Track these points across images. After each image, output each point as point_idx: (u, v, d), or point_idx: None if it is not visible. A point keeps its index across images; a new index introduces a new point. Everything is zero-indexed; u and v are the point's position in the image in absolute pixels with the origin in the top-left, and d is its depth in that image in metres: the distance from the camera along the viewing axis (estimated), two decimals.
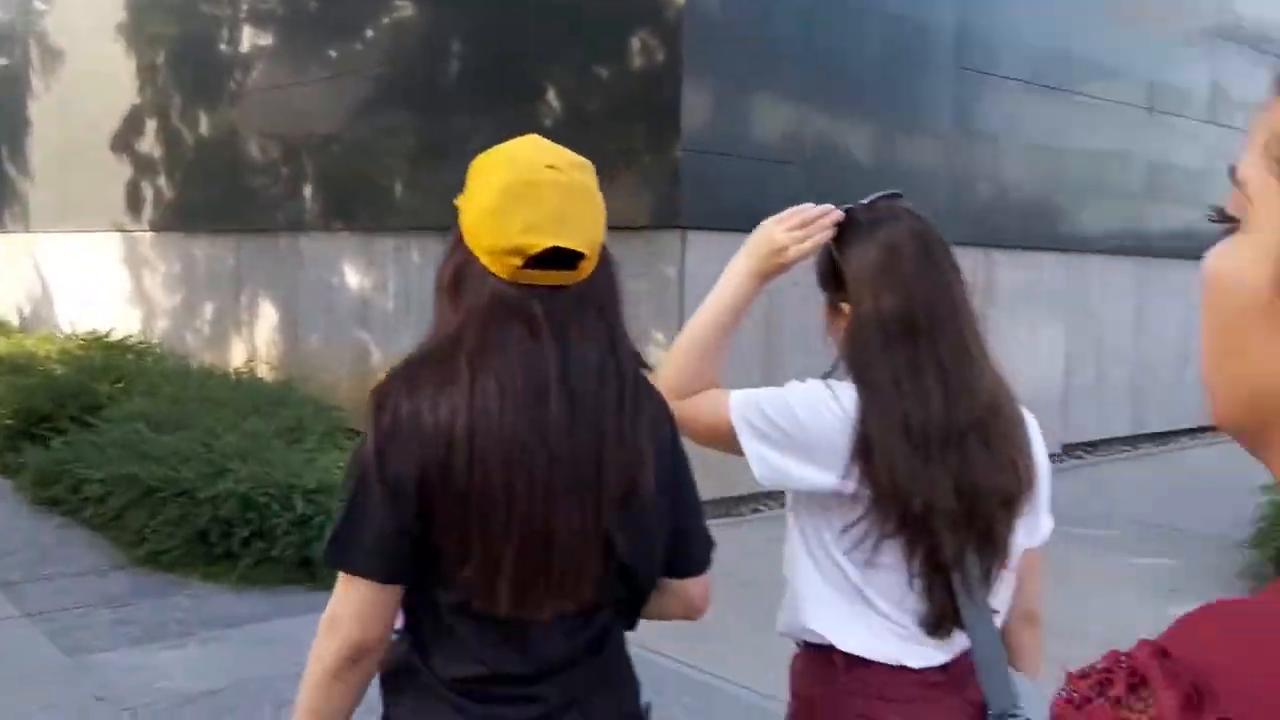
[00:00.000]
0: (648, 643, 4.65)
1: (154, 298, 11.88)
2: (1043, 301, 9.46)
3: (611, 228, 4.13)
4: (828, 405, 1.67)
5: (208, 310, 10.99)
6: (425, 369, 1.46)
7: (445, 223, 6.06)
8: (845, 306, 1.73)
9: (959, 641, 1.67)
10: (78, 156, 13.66)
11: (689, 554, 1.63)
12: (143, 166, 12.18)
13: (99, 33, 13.07)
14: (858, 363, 1.69)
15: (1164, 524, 7.28)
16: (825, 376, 1.74)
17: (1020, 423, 1.73)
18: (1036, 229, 9.35)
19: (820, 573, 1.72)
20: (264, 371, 9.75)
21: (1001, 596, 1.72)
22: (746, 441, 1.71)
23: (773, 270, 1.84)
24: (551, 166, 1.48)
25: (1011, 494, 1.66)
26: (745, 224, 8.11)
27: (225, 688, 4.12)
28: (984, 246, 8.89)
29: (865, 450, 1.62)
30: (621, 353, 1.55)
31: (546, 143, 1.57)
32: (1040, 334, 9.47)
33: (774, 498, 7.68)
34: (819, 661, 1.73)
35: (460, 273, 1.50)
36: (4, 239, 15.45)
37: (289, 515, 5.32)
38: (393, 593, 1.46)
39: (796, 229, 1.77)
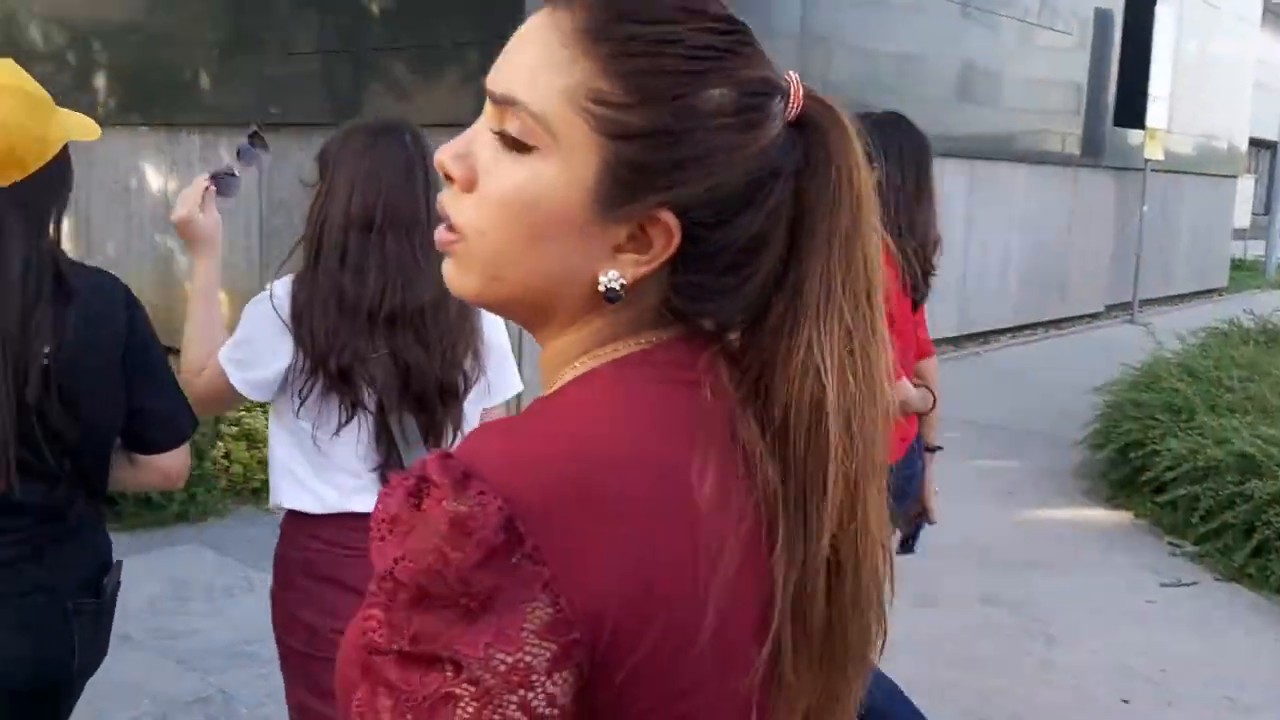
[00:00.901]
0: None
1: None
2: None
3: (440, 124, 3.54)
4: (260, 305, 2.02)
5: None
6: None
7: (256, 116, 5.39)
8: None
9: None
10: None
11: (152, 432, 1.86)
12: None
13: None
14: (312, 243, 2.01)
15: (996, 425, 7.44)
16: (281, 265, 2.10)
17: (467, 317, 2.04)
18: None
19: (287, 444, 2.06)
20: None
21: None
22: (231, 375, 2.01)
23: (192, 241, 2.12)
24: None
25: (451, 383, 2.02)
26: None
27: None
28: None
29: (296, 317, 1.97)
30: (44, 248, 1.69)
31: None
32: None
33: None
34: (290, 524, 2.08)
35: None
36: None
37: None
38: None
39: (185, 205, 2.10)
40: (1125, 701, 3.67)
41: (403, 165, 2.01)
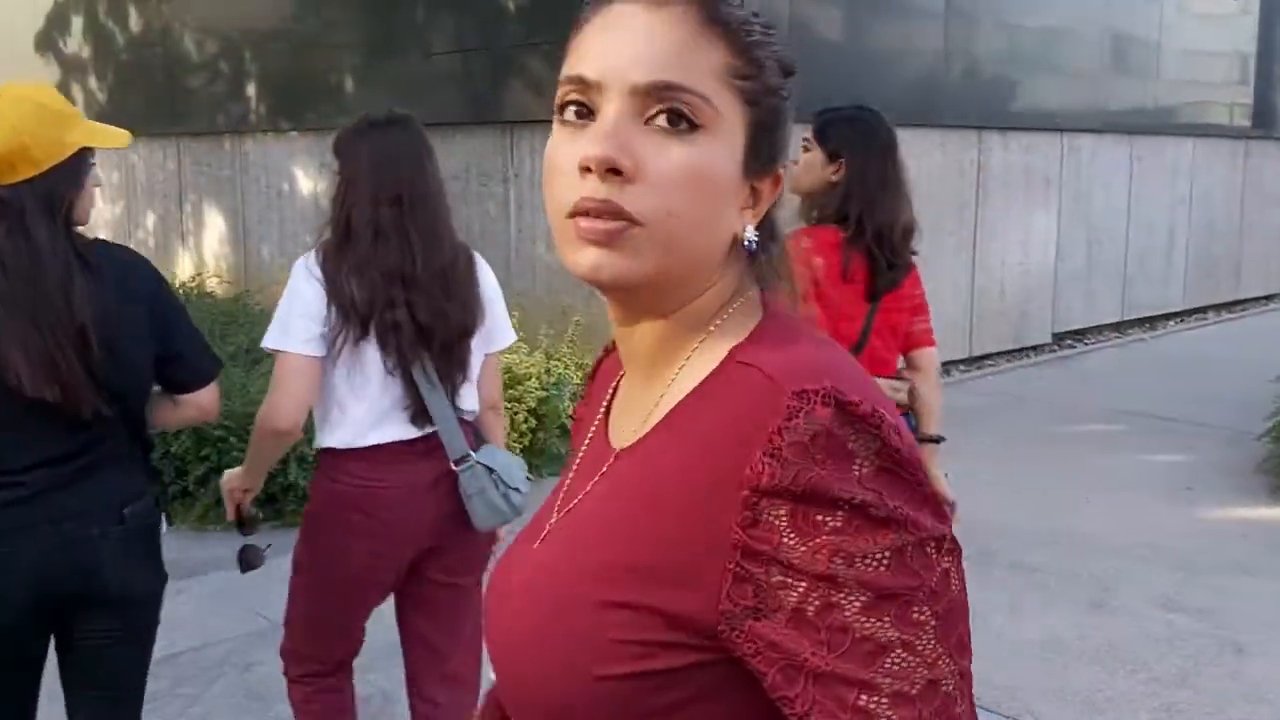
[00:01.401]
0: None
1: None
2: (1036, 184, 9.05)
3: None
4: (299, 279, 2.34)
5: (149, 221, 10.34)
6: None
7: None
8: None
9: (431, 426, 2.41)
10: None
11: (183, 376, 2.23)
12: (70, 68, 11.35)
13: None
14: (340, 222, 2.35)
15: (1168, 416, 7.01)
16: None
17: (473, 271, 2.47)
18: (1028, 109, 8.88)
19: (325, 391, 2.38)
20: (214, 285, 9.17)
21: (469, 397, 2.48)
22: (296, 348, 2.32)
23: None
24: None
25: (467, 326, 2.42)
26: None
27: (184, 651, 3.71)
28: (976, 129, 8.44)
29: (332, 282, 2.31)
30: (58, 228, 2.05)
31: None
32: (1033, 218, 9.08)
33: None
34: (326, 459, 2.44)
35: None
36: None
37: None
38: None
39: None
40: None
41: (418, 150, 2.40)
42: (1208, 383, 7.94)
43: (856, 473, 0.75)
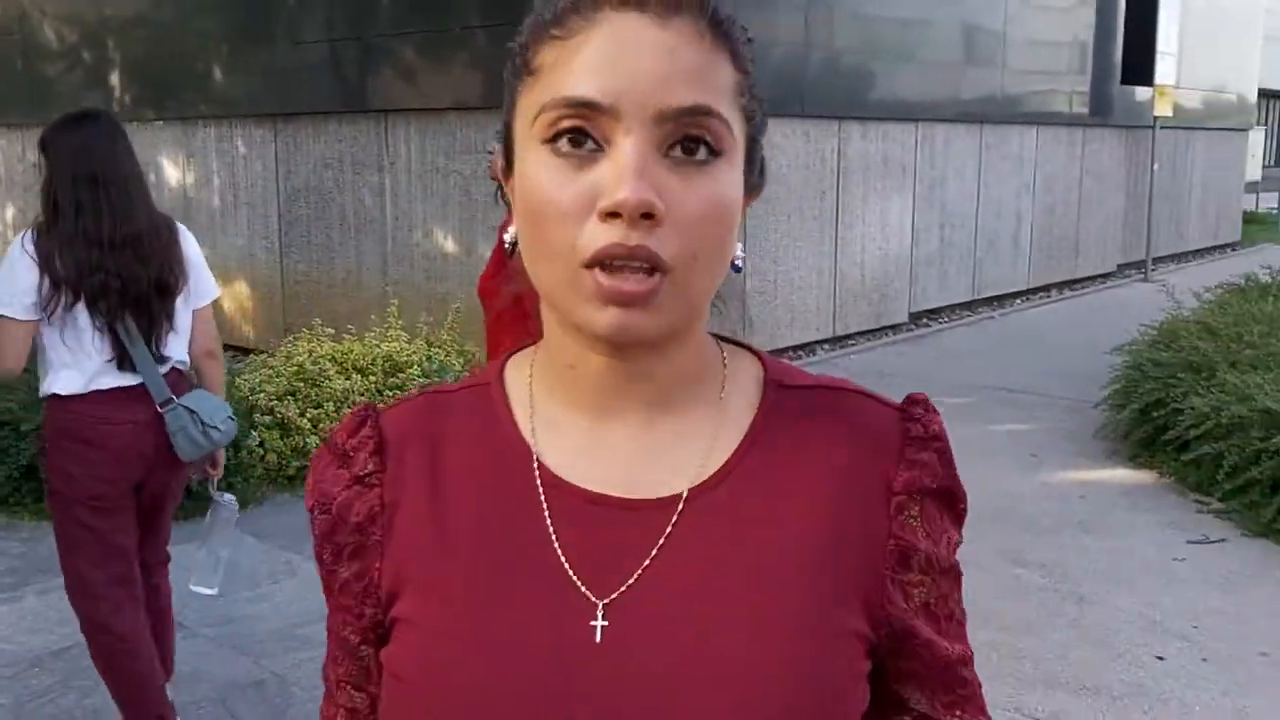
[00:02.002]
0: None
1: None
2: (894, 172, 9.48)
3: (461, 108, 4.09)
4: (16, 256, 2.77)
5: (8, 214, 10.01)
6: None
7: (271, 108, 5.68)
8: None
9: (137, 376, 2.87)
10: None
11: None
12: None
13: None
14: (48, 204, 2.81)
15: (1015, 388, 7.48)
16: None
17: (174, 238, 2.94)
18: (885, 99, 9.30)
19: (47, 348, 2.83)
20: None
21: (174, 347, 2.95)
22: (7, 313, 2.75)
23: None
24: None
25: (166, 284, 2.89)
26: None
27: (73, 645, 3.74)
28: (837, 119, 8.81)
29: (45, 258, 2.76)
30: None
31: None
32: (890, 204, 9.52)
33: (803, 349, 7.53)
34: (52, 404, 2.87)
35: None
36: None
37: None
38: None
39: None
40: (1160, 658, 3.74)
41: (111, 138, 2.87)
42: (1050, 357, 8.48)
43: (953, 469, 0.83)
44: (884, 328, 9.61)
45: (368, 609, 0.81)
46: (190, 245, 2.99)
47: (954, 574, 0.84)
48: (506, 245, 0.82)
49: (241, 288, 8.31)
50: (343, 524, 0.82)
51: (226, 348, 4.63)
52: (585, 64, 0.71)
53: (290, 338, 6.33)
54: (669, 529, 0.77)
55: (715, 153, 0.73)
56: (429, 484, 0.82)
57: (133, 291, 2.82)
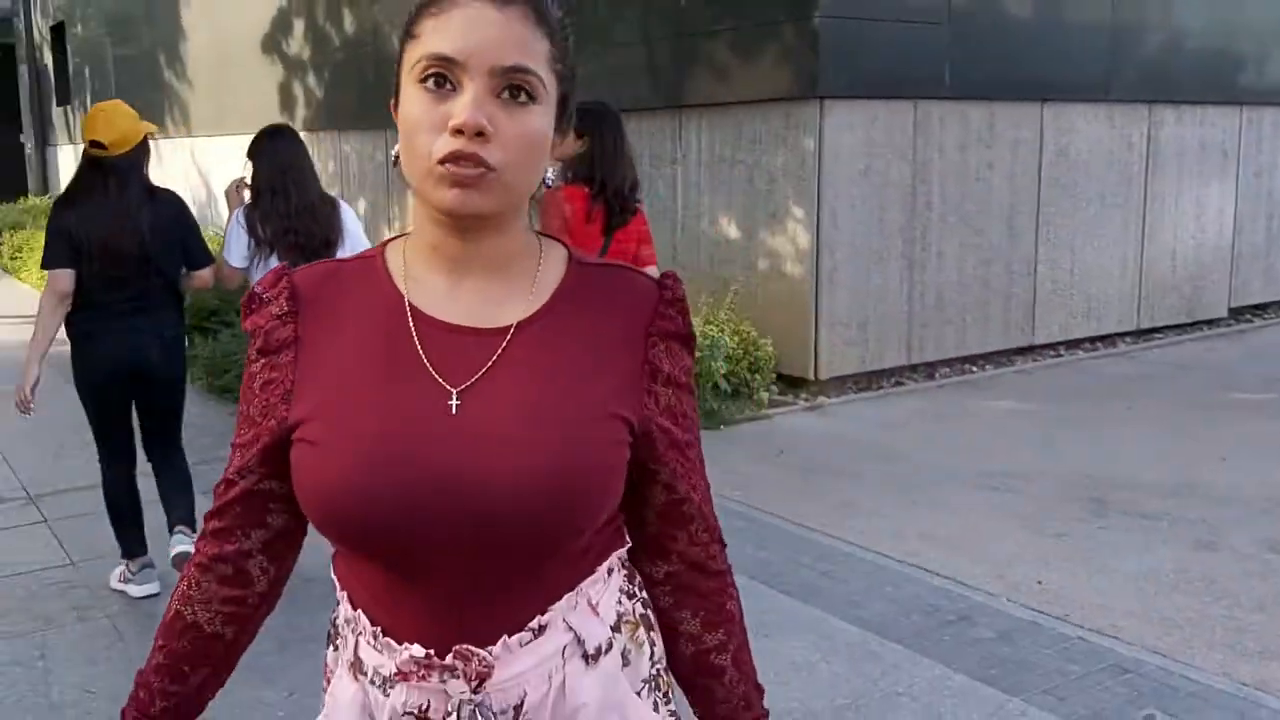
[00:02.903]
0: (806, 520, 4.68)
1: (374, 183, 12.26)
2: (1212, 158, 8.92)
3: (748, 101, 4.60)
4: (234, 226, 4.25)
5: (360, 206, 11.31)
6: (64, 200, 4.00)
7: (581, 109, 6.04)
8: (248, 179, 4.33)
9: None
10: (231, 61, 14.07)
11: (194, 260, 4.12)
12: (292, 68, 12.49)
13: None
14: (255, 193, 4.26)
15: None
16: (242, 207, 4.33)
17: (335, 211, 4.28)
18: (1205, 82, 8.77)
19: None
20: None
21: None
22: (233, 262, 4.27)
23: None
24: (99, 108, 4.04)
25: (328, 238, 4.19)
26: (888, 90, 7.98)
27: None
28: (1148, 102, 8.42)
29: (251, 228, 4.20)
30: (144, 185, 4.00)
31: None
32: (1208, 192, 8.96)
33: (918, 371, 7.57)
34: None
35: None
36: (167, 143, 16.14)
37: None
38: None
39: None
40: None
41: (290, 144, 4.35)
42: None
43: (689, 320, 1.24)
44: (1198, 322, 9.05)
45: (276, 404, 1.17)
46: (348, 215, 4.35)
47: (688, 389, 1.23)
48: (393, 157, 1.17)
49: None
50: (268, 342, 1.19)
51: None
52: (448, 31, 1.06)
53: None
54: (503, 346, 1.14)
55: (532, 98, 1.08)
56: (328, 323, 1.18)
57: (308, 246, 4.15)
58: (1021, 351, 8.13)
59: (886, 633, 3.60)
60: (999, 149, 7.72)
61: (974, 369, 7.76)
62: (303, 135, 13.53)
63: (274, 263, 4.03)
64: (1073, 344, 8.36)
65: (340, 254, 4.04)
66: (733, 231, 7.36)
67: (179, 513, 4.12)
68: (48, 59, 22.89)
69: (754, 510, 4.82)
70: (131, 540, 4.10)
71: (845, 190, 6.95)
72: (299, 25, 12.46)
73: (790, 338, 7.04)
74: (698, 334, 6.32)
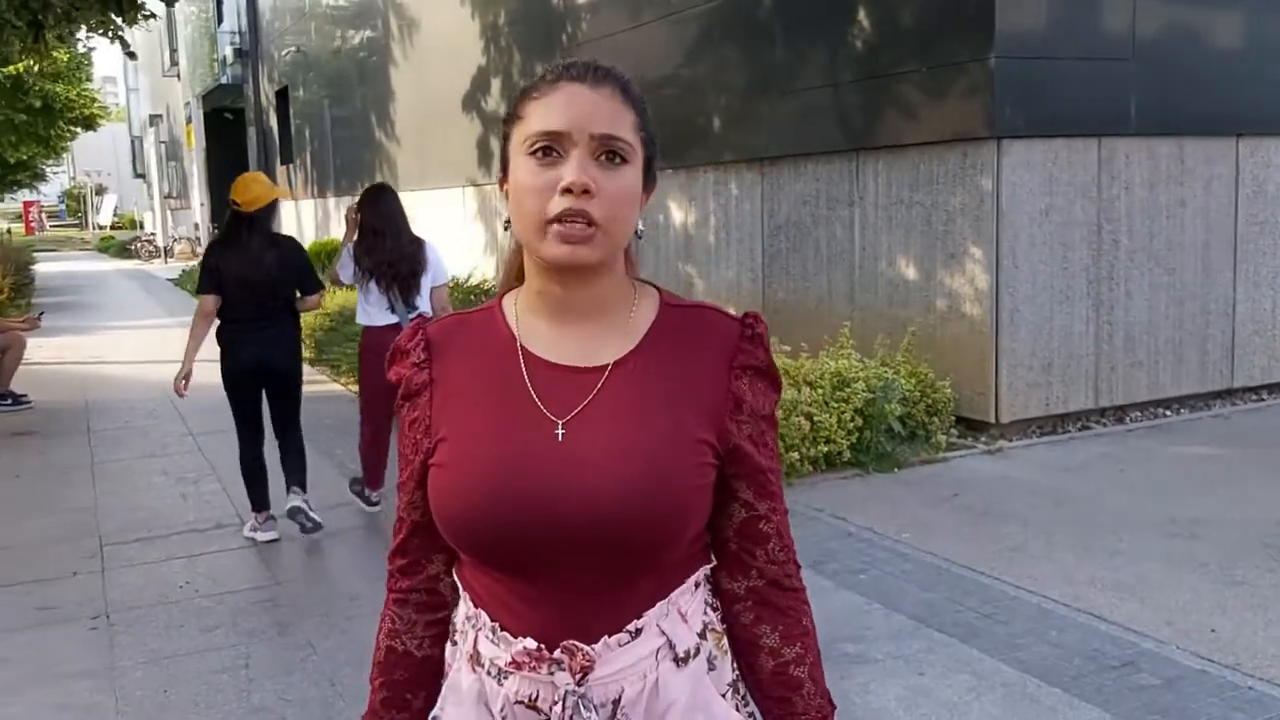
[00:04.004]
0: (974, 563, 4.66)
1: (505, 244, 12.81)
2: None
3: (926, 142, 4.78)
4: (345, 257, 5.64)
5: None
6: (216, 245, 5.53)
7: (761, 154, 6.52)
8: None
9: (397, 317, 5.52)
10: (433, 119, 14.90)
11: (307, 287, 5.47)
12: (489, 123, 13.13)
13: (447, 0, 14.15)
14: (365, 234, 5.59)
15: None
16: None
17: (420, 248, 5.61)
18: None
19: (360, 303, 5.64)
20: None
21: (420, 304, 5.55)
22: (342, 279, 5.77)
23: None
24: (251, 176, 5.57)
25: (415, 270, 5.54)
26: (1070, 128, 7.86)
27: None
28: None
29: (357, 259, 5.55)
30: (270, 233, 5.39)
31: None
32: None
33: (1107, 414, 7.35)
34: (365, 332, 5.68)
35: None
36: None
37: None
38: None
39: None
40: None
41: (388, 197, 5.66)
42: None
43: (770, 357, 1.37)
44: None
45: (421, 439, 1.35)
46: (431, 251, 5.62)
47: (770, 420, 1.36)
48: (504, 222, 1.36)
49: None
50: (409, 388, 1.37)
51: None
52: (552, 110, 1.26)
53: None
54: (600, 383, 1.30)
55: (625, 160, 1.26)
56: (456, 365, 1.36)
57: (399, 275, 5.47)
58: (1220, 395, 7.79)
59: (1046, 676, 3.55)
60: (1191, 185, 7.46)
61: (1167, 413, 7.48)
62: (494, 187, 14.19)
63: (373, 286, 5.50)
64: (1276, 388, 7.94)
65: (424, 280, 5.55)
66: (910, 272, 7.36)
67: (295, 477, 5.47)
68: (273, 121, 24.71)
69: (920, 552, 4.82)
70: (260, 498, 5.42)
71: (1025, 229, 6.86)
72: (495, 84, 13.12)
73: (970, 380, 6.97)
74: (874, 376, 6.36)
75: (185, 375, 5.23)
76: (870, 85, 7.58)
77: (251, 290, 5.17)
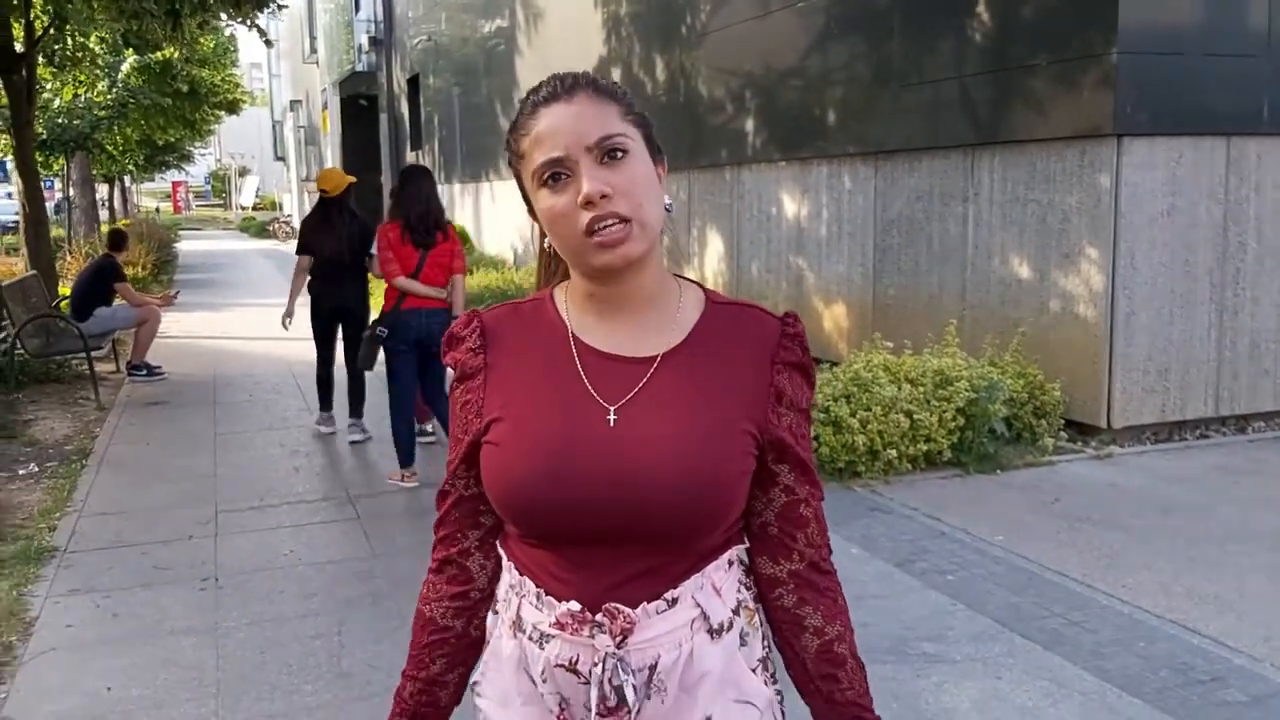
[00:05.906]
0: (1067, 569, 4.57)
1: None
2: None
3: (1043, 139, 4.63)
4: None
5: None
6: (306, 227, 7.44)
7: (876, 147, 6.46)
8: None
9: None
10: None
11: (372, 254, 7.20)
12: None
13: None
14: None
15: None
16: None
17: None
18: None
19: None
20: None
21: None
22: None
23: None
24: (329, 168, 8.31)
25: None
26: (1196, 126, 7.60)
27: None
28: None
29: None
30: (348, 210, 7.22)
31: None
32: None
33: (1228, 423, 7.10)
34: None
35: None
36: (500, 185, 17.44)
37: None
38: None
39: None
40: None
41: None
42: None
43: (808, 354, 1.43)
44: None
45: (472, 420, 1.42)
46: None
47: (805, 415, 1.43)
48: (547, 249, 1.46)
49: (839, 308, 9.09)
50: (465, 371, 1.44)
51: (818, 360, 5.35)
52: (543, 141, 1.33)
53: (853, 351, 6.90)
54: (650, 372, 1.37)
55: (625, 152, 1.32)
56: (509, 351, 1.43)
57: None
58: None
59: (1128, 686, 3.48)
60: None
61: None
62: None
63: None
64: None
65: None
66: (1024, 271, 7.20)
67: (355, 407, 7.26)
68: (404, 108, 25.32)
69: (1013, 555, 4.74)
70: (326, 402, 7.43)
71: (1145, 230, 6.65)
72: (617, 75, 13.22)
73: (1081, 383, 6.80)
74: (977, 376, 6.26)
75: (288, 314, 7.33)
76: (988, 80, 7.43)
77: (334, 254, 7.04)
